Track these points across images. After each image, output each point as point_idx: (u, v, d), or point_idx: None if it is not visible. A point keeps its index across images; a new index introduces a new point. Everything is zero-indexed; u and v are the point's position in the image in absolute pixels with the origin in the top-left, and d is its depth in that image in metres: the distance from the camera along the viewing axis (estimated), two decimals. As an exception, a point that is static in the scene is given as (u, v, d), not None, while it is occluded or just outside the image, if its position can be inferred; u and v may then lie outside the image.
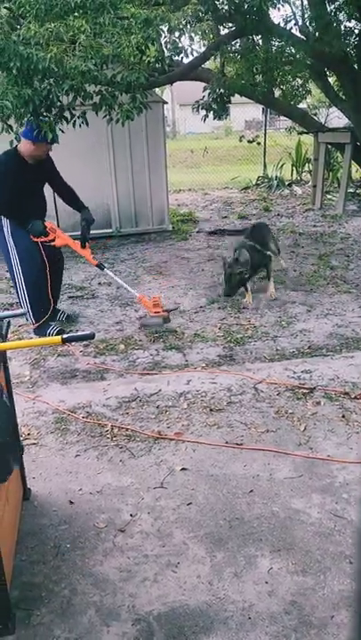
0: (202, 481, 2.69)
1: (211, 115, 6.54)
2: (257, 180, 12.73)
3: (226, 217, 9.39)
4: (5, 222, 4.25)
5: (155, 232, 8.12)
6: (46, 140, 4.06)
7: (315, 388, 3.51)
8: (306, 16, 6.91)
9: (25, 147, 4.15)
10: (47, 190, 4.59)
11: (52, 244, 4.37)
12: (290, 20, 6.45)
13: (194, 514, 2.48)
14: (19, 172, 4.14)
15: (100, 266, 4.73)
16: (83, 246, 4.54)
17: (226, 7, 5.30)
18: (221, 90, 5.96)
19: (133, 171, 7.79)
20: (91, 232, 4.72)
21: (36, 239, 4.28)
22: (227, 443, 2.98)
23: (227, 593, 2.06)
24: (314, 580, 2.10)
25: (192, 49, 4.16)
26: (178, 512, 2.50)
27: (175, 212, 9.56)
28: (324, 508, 2.47)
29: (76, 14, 3.44)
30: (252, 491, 2.59)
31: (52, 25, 3.33)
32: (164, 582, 2.12)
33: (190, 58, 4.70)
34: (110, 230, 7.96)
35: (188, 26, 3.75)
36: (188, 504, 2.54)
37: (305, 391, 3.48)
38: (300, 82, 7.98)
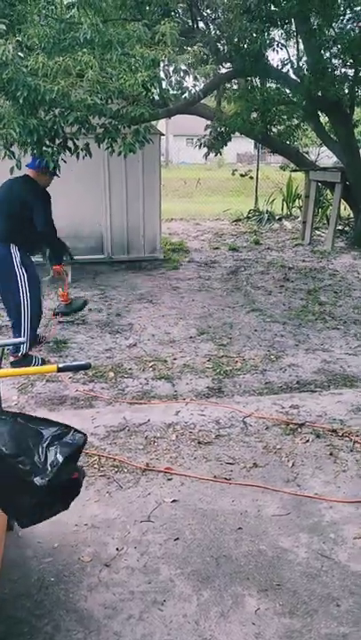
0: (189, 515, 2.68)
1: (212, 151, 6.70)
2: (248, 212, 12.96)
3: (217, 248, 9.51)
4: (15, 250, 4.23)
5: (146, 260, 8.19)
6: (54, 174, 4.26)
7: (303, 423, 3.53)
8: (302, 61, 7.17)
9: (40, 177, 4.29)
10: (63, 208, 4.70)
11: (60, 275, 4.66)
12: (287, 64, 6.68)
13: (181, 550, 2.45)
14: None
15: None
16: None
17: (226, 49, 5.49)
18: (222, 128, 6.13)
19: (128, 199, 7.89)
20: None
21: (58, 269, 4.55)
22: (215, 477, 2.98)
23: (213, 634, 2.03)
24: (301, 622, 2.08)
25: (196, 90, 4.28)
26: (165, 547, 2.47)
27: (167, 240, 9.67)
28: (312, 547, 2.47)
29: (84, 49, 3.54)
30: (240, 528, 2.58)
31: (61, 59, 3.43)
32: (150, 620, 2.09)
33: (190, 95, 4.84)
34: (102, 256, 8.02)
35: (192, 68, 3.87)
36: (175, 539, 2.52)
37: (293, 427, 3.50)
38: (295, 122, 8.23)
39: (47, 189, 4.42)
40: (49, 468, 1.79)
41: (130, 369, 4.43)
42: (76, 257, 7.69)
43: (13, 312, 4.37)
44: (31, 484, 1.74)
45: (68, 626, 2.06)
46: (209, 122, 7.13)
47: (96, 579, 2.28)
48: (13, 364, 4.24)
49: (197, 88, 4.59)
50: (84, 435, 1.96)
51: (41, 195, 4.33)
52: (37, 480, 1.75)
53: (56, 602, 2.16)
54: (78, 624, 2.07)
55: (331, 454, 3.20)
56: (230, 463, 3.11)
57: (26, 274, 4.26)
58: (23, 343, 4.24)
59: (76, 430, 1.96)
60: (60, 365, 2.18)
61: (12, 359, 4.30)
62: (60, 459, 1.81)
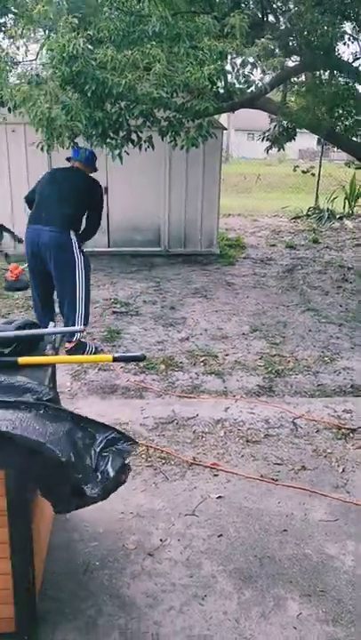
0: (234, 513, 2.66)
1: (275, 146, 6.60)
2: (308, 210, 12.68)
3: (274, 245, 9.38)
4: (73, 237, 4.27)
5: (202, 254, 8.17)
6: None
7: (356, 429, 3.44)
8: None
9: (86, 169, 4.38)
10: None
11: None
12: (358, 57, 6.47)
13: (224, 546, 2.45)
14: None
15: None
16: None
17: (295, 42, 5.37)
18: (287, 123, 6.02)
19: (187, 193, 7.90)
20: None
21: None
22: (262, 476, 2.95)
23: (253, 634, 2.02)
24: (345, 631, 2.03)
25: (263, 83, 4.22)
26: (208, 542, 2.47)
27: (224, 235, 9.62)
28: (359, 555, 2.40)
29: (153, 42, 3.56)
30: (285, 530, 2.55)
31: (130, 52, 3.45)
32: (190, 614, 2.10)
33: (256, 88, 4.77)
34: (159, 249, 8.07)
35: (260, 60, 3.82)
36: (218, 535, 2.51)
37: (345, 431, 3.41)
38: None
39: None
40: (99, 477, 1.78)
41: (181, 362, 4.44)
42: (133, 248, 7.88)
43: (68, 298, 4.37)
44: (80, 490, 1.75)
45: (111, 611, 2.10)
46: (273, 116, 7.02)
47: (139, 567, 2.32)
48: (69, 352, 4.30)
49: (264, 81, 4.52)
50: (136, 442, 1.96)
51: (101, 190, 4.46)
52: (87, 489, 1.75)
53: (100, 586, 2.21)
54: (120, 610, 2.10)
55: (383, 463, 3.10)
56: (278, 464, 3.08)
57: (83, 261, 4.33)
58: (80, 331, 4.31)
59: (127, 437, 1.96)
60: (116, 355, 2.23)
61: (67, 346, 4.35)
62: (112, 472, 1.80)
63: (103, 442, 1.88)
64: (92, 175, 4.44)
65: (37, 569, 1.97)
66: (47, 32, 3.97)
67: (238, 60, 3.74)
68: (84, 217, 4.38)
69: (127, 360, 2.90)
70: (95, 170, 4.47)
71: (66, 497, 1.79)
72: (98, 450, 1.85)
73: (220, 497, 2.77)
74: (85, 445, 1.83)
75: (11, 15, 5.38)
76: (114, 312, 5.60)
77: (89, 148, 4.33)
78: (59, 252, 4.25)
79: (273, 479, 2.93)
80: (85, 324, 4.46)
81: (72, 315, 4.34)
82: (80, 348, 4.37)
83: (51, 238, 4.20)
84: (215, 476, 2.96)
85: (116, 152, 4.23)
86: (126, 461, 1.91)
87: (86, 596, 2.16)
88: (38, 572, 2.02)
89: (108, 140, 4.03)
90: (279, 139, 6.31)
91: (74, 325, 4.27)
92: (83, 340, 4.48)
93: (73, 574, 2.26)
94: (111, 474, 1.81)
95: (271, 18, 5.37)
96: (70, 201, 4.27)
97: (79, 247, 4.30)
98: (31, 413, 1.77)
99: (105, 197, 5.65)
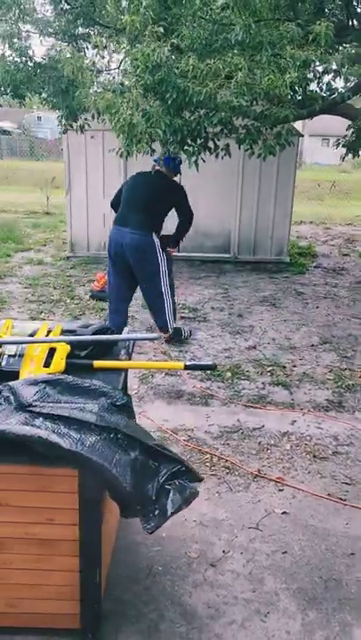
0: (299, 530, 2.61)
1: (351, 153, 6.42)
2: (383, 219, 12.25)
3: (347, 254, 9.12)
4: (155, 238, 4.54)
5: (272, 262, 8.08)
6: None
7: None
8: None
9: (170, 174, 4.58)
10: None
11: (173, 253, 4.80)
12: None
13: (288, 564, 2.40)
14: None
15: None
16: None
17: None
18: (365, 129, 5.84)
19: (260, 200, 7.83)
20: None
21: (173, 251, 4.73)
22: (329, 495, 2.86)
23: (317, 658, 1.96)
24: None
25: (345, 90, 4.12)
26: (272, 558, 2.43)
27: (294, 243, 9.46)
28: None
29: (235, 51, 3.56)
30: (353, 553, 2.46)
31: (212, 61, 3.48)
32: (252, 630, 2.07)
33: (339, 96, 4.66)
34: (228, 255, 8.05)
35: (343, 68, 3.73)
36: (283, 552, 2.47)
37: None
38: None
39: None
40: (157, 512, 1.77)
41: (247, 371, 4.40)
42: (202, 254, 7.92)
43: (155, 299, 4.67)
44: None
45: (172, 617, 2.10)
46: (350, 122, 6.81)
47: (201, 577, 2.31)
48: (168, 342, 4.77)
49: (346, 88, 4.41)
50: (200, 479, 1.93)
51: (180, 189, 4.66)
52: (145, 527, 1.77)
53: (162, 591, 2.22)
54: (182, 618, 2.11)
55: None
56: (347, 483, 2.98)
57: (166, 261, 4.56)
58: (158, 338, 4.52)
59: (192, 471, 1.92)
60: (188, 363, 2.24)
61: (164, 337, 4.75)
62: (170, 511, 1.79)
63: (166, 475, 1.84)
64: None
65: (103, 569, 2.01)
66: (131, 41, 4.07)
67: (321, 68, 3.67)
68: (164, 218, 4.60)
69: (198, 368, 2.91)
70: (177, 174, 4.63)
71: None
72: (161, 480, 1.82)
73: (284, 512, 2.72)
74: (149, 475, 1.82)
75: (97, 27, 5.57)
76: (182, 317, 5.64)
77: (178, 157, 4.54)
78: (141, 253, 4.51)
79: (341, 499, 2.84)
80: (174, 319, 4.77)
81: (161, 314, 4.70)
82: (177, 335, 4.81)
83: (132, 240, 4.44)
84: (280, 490, 2.90)
85: (193, 159, 4.27)
86: (188, 499, 1.87)
87: (149, 601, 2.18)
88: (104, 572, 2.06)
89: (186, 147, 4.08)
90: (356, 145, 6.12)
91: (163, 322, 4.68)
92: (176, 326, 4.82)
93: (136, 578, 2.29)
94: (169, 512, 1.79)
95: (356, 23, 5.23)
96: (149, 204, 4.48)
97: (161, 247, 4.51)
98: (100, 437, 1.76)
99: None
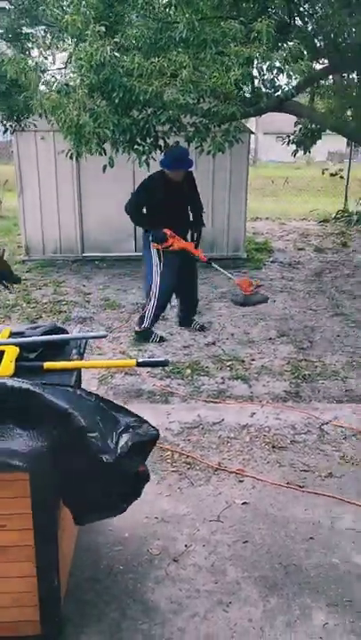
0: (260, 519, 2.64)
1: (300, 149, 6.55)
2: (336, 213, 12.52)
3: (302, 249, 9.29)
4: (145, 235, 4.76)
5: (229, 259, 8.13)
6: (178, 168, 4.53)
7: (385, 437, 3.37)
8: None
9: (166, 172, 4.61)
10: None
11: (170, 248, 4.79)
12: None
13: (249, 553, 2.43)
14: (158, 188, 4.59)
15: (209, 262, 5.29)
16: (195, 248, 5.10)
17: (323, 44, 5.33)
18: (313, 125, 5.97)
19: (214, 198, 7.88)
20: None
21: (157, 246, 4.75)
22: (288, 483, 2.92)
23: (278, 643, 2.00)
24: (372, 644, 1.99)
25: (289, 87, 4.20)
26: (233, 549, 2.46)
27: (251, 240, 9.57)
28: (388, 567, 2.35)
29: (179, 49, 3.58)
30: (311, 538, 2.51)
31: (157, 59, 3.48)
32: (215, 620, 2.09)
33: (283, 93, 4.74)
34: (185, 253, 8.06)
35: (286, 65, 3.79)
36: (244, 542, 2.50)
37: (374, 439, 3.35)
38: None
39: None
40: (118, 451, 1.85)
41: (207, 367, 4.44)
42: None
43: (145, 292, 5.03)
44: (98, 462, 1.79)
45: (134, 615, 2.10)
46: (298, 119, 6.94)
47: (163, 572, 2.32)
48: (137, 334, 4.94)
49: (290, 85, 4.50)
50: (157, 430, 1.98)
51: (140, 185, 4.75)
52: (105, 457, 1.80)
53: (124, 590, 2.22)
54: (144, 615, 2.11)
55: None
56: (305, 470, 3.04)
57: (157, 258, 4.78)
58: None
59: (150, 425, 1.99)
60: (140, 360, 2.23)
61: (136, 329, 4.96)
62: (129, 444, 1.86)
63: (124, 425, 1.93)
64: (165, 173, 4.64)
65: (62, 572, 1.98)
66: (75, 41, 4.04)
67: (265, 65, 3.72)
68: (150, 213, 4.75)
69: (151, 365, 2.91)
70: (168, 168, 4.55)
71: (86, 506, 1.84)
72: (119, 431, 1.90)
73: (245, 503, 2.76)
74: (109, 426, 1.89)
75: (41, 27, 5.49)
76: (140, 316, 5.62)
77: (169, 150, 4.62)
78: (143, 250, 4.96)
79: (299, 486, 2.89)
80: (153, 320, 4.94)
81: (144, 310, 4.96)
82: (145, 335, 4.90)
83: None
84: (240, 481, 2.94)
85: (143, 158, 4.26)
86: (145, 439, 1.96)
87: (110, 600, 2.17)
88: (64, 576, 2.04)
89: (136, 147, 4.07)
90: (304, 141, 6.25)
91: (141, 317, 4.92)
92: (150, 328, 4.94)
93: (97, 578, 2.28)
94: (129, 445, 1.86)
95: (298, 21, 5.34)
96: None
97: (153, 244, 4.75)
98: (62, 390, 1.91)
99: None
